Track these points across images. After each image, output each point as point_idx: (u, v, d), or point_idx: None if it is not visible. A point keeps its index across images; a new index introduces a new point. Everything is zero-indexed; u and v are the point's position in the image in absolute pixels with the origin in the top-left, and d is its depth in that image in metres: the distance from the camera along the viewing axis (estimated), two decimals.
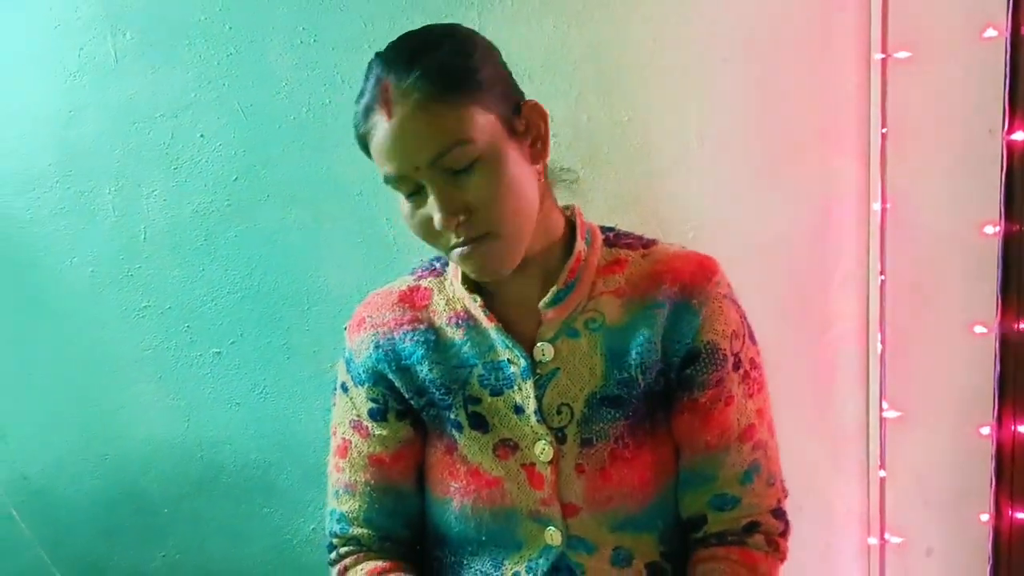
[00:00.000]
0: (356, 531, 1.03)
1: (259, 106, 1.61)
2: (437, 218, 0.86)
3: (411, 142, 0.84)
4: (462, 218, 0.86)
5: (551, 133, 1.49)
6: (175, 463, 1.80)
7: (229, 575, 1.84)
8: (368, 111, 0.86)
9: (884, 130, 1.47)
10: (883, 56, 1.45)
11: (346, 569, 1.03)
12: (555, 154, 1.52)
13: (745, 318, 0.99)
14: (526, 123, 0.91)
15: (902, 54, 1.44)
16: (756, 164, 1.54)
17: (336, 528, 1.05)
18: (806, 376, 1.61)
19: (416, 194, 0.88)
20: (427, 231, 0.89)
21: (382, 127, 0.85)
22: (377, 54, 0.88)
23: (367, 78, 0.88)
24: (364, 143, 0.89)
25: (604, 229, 1.02)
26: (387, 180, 0.88)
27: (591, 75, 1.52)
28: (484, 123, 0.85)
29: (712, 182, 1.55)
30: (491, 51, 0.91)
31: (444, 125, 0.83)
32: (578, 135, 1.54)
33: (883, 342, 1.54)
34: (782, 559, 1.01)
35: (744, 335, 0.98)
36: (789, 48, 1.49)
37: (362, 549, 1.04)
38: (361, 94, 0.88)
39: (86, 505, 1.84)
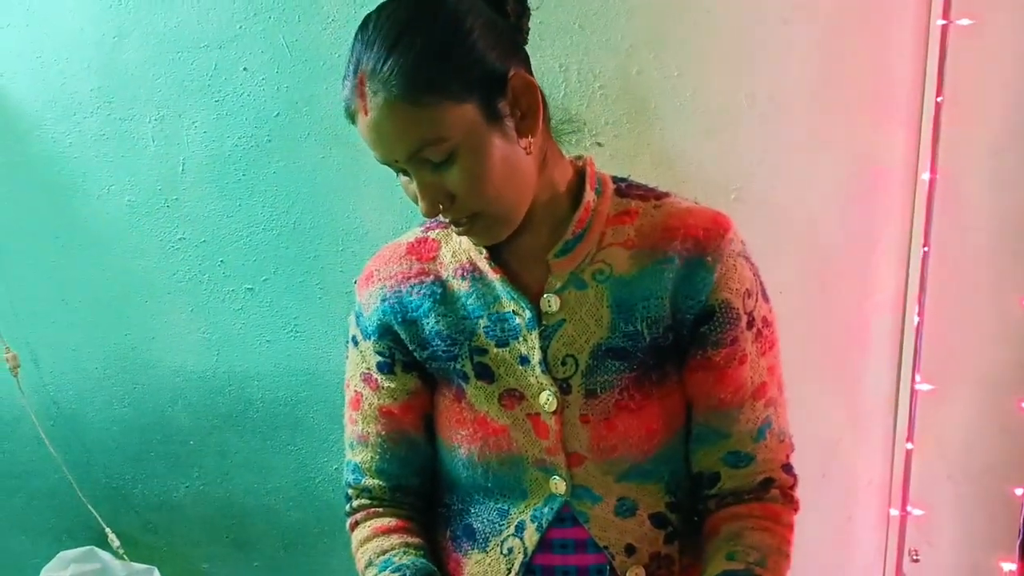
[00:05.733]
0: (368, 481, 1.06)
1: (304, 42, 1.59)
2: (420, 207, 0.88)
3: (386, 139, 0.84)
4: (444, 205, 0.87)
5: (598, 84, 1.53)
6: (204, 395, 1.82)
7: (252, 508, 1.87)
8: (350, 97, 0.86)
9: (940, 99, 1.44)
10: (944, 23, 1.42)
11: (357, 523, 1.06)
12: (602, 105, 1.53)
13: (758, 275, 0.98)
14: (513, 99, 0.87)
15: (964, 21, 1.41)
16: (805, 127, 1.52)
17: (351, 478, 1.07)
18: (841, 343, 1.60)
19: (406, 173, 0.88)
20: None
21: (361, 119, 0.85)
22: (360, 28, 0.86)
23: (350, 54, 0.86)
24: (352, 122, 0.88)
25: (616, 179, 1.00)
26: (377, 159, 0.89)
27: (645, 27, 1.50)
28: (459, 116, 0.83)
29: (759, 143, 1.53)
30: (472, 28, 0.85)
31: (416, 125, 0.83)
32: (627, 88, 1.52)
33: (921, 314, 1.53)
34: (796, 509, 1.02)
35: (757, 293, 0.97)
36: (850, 11, 1.46)
37: (373, 502, 1.06)
38: (345, 75, 0.86)
39: (115, 432, 1.87)
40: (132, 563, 1.84)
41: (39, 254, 1.80)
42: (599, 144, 1.55)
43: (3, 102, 1.71)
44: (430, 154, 0.84)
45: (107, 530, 1.87)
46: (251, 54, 1.61)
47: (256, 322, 1.76)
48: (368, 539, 1.03)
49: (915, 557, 1.61)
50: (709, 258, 0.93)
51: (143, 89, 1.66)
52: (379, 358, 1.02)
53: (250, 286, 1.74)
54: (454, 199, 0.87)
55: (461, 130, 0.84)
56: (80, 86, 1.68)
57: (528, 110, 0.89)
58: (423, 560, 0.99)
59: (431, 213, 0.88)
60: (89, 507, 1.87)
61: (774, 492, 0.99)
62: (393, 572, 0.97)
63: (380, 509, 1.06)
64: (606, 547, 0.98)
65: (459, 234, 0.93)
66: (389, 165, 0.88)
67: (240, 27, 1.60)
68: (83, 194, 1.74)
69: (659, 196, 0.98)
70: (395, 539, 1.02)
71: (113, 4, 1.62)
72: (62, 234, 1.78)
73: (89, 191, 1.73)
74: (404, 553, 0.99)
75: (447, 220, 0.91)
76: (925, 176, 1.48)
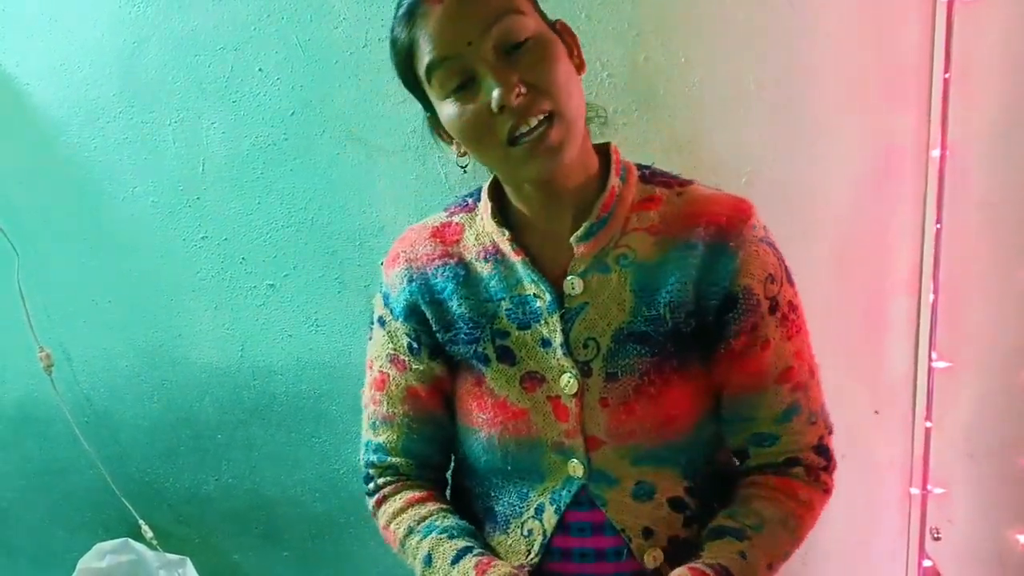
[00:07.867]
0: (393, 460, 1.08)
1: (317, 41, 1.62)
2: (496, 94, 0.85)
3: (466, 14, 0.85)
4: (523, 90, 0.85)
5: (606, 73, 1.54)
6: (230, 391, 1.86)
7: (279, 500, 1.91)
8: (413, 10, 0.88)
9: (947, 75, 1.44)
10: None
11: (385, 498, 1.08)
12: (610, 94, 1.55)
13: (783, 260, 0.99)
14: (564, 36, 0.93)
15: None
16: (814, 109, 1.52)
17: (373, 458, 1.09)
18: (857, 324, 1.60)
19: (463, 88, 0.88)
20: (479, 125, 0.87)
21: (434, 14, 0.86)
22: None
23: None
24: (407, 48, 0.90)
25: (640, 167, 1.02)
26: (433, 67, 0.88)
27: (651, 15, 1.51)
28: (531, 10, 0.89)
29: (768, 127, 1.53)
30: None
31: None
32: (635, 75, 1.53)
33: (936, 291, 1.52)
34: (826, 491, 1.02)
35: (781, 278, 0.98)
36: None
37: (400, 478, 1.08)
38: (400, 4, 0.91)
39: (145, 428, 1.92)
40: (165, 554, 1.89)
41: (69, 256, 1.85)
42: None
43: (30, 108, 1.77)
44: (509, 28, 0.85)
45: (141, 522, 1.92)
46: (266, 55, 1.65)
47: (278, 317, 1.79)
48: (402, 510, 1.05)
49: (936, 535, 1.60)
50: (731, 244, 0.94)
51: (163, 92, 1.70)
52: (408, 339, 1.05)
53: (271, 282, 1.78)
54: (529, 89, 0.85)
55: (535, 20, 0.89)
56: (103, 91, 1.73)
57: (577, 50, 0.94)
58: (464, 522, 1.03)
59: (509, 98, 0.84)
60: (123, 501, 1.93)
61: (798, 470, 1.00)
62: (440, 534, 1.00)
63: (408, 482, 1.08)
64: (623, 530, 0.99)
65: (527, 147, 0.87)
66: (450, 68, 0.87)
67: (254, 29, 1.64)
68: (108, 196, 1.79)
69: (682, 184, 1.00)
70: (431, 506, 1.05)
71: (132, 12, 1.67)
72: (90, 236, 1.83)
73: (114, 193, 1.78)
74: (444, 517, 1.03)
75: (517, 122, 0.85)
76: (935, 153, 1.47)
